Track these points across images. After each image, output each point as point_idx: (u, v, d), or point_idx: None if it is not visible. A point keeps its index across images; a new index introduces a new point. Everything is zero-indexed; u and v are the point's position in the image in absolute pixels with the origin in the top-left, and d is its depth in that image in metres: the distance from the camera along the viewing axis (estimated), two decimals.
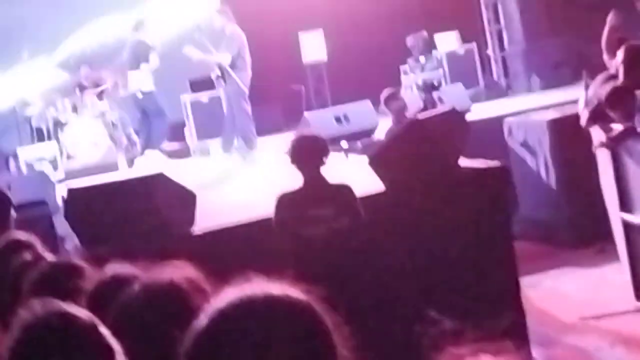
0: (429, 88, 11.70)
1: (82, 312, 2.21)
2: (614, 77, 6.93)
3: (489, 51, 13.32)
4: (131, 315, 2.36)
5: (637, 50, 6.80)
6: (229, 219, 6.59)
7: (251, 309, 1.70)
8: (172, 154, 11.79)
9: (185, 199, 6.35)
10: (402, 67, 12.29)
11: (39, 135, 11.99)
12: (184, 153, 11.86)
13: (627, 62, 6.73)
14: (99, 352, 2.11)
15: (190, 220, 6.21)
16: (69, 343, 2.13)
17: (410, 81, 12.06)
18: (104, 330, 2.15)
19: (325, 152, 5.17)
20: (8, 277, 3.42)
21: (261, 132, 11.36)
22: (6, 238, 3.87)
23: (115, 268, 2.75)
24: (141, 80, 12.02)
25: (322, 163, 5.11)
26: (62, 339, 2.14)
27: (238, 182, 9.27)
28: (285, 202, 5.11)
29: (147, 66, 12.04)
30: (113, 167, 11.08)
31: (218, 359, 1.67)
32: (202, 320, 1.71)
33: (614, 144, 6.83)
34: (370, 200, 5.92)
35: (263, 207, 5.85)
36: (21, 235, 3.86)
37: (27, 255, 3.58)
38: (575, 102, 7.90)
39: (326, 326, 1.72)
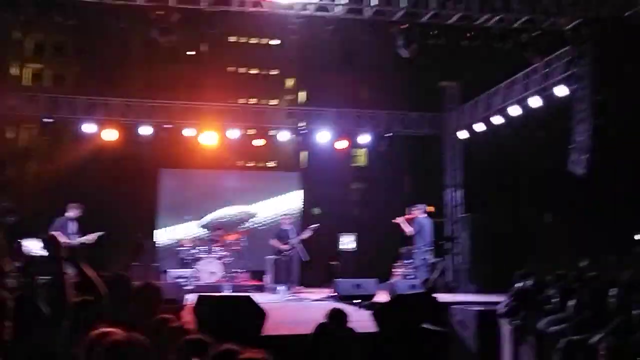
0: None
1: None
2: None
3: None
4: None
5: None
6: (284, 330, 7.93)
7: None
8: (253, 289, 14.55)
9: (259, 314, 7.66)
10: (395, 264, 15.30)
11: (184, 263, 15.13)
12: (261, 288, 14.81)
13: None
14: None
15: (259, 327, 7.58)
16: None
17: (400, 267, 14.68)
18: None
19: (345, 318, 6.31)
20: (163, 342, 4.14)
21: (308, 284, 14.70)
22: (159, 316, 4.59)
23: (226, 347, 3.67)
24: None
25: (345, 323, 6.32)
26: None
27: (290, 309, 11.28)
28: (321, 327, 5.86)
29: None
30: (222, 289, 14.14)
31: None
32: None
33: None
34: (370, 336, 7.53)
35: (303, 326, 6.53)
36: (168, 316, 4.61)
37: (174, 325, 4.42)
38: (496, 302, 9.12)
39: None
